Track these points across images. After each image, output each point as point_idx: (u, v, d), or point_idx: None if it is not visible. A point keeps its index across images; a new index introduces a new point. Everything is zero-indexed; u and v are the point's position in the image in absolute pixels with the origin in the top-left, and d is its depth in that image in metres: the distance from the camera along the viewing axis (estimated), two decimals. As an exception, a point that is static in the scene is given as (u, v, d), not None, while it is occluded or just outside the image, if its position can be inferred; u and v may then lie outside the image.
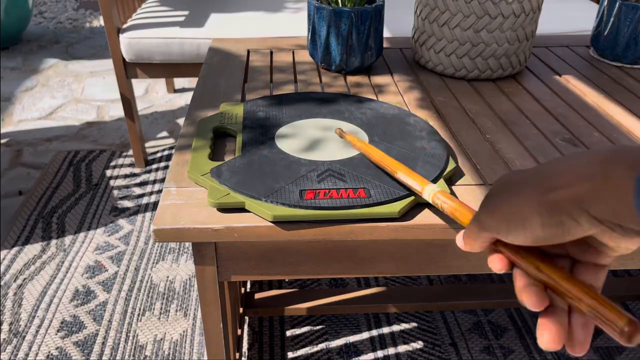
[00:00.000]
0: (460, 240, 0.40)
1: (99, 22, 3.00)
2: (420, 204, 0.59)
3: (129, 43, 1.41)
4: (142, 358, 1.03)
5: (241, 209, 0.57)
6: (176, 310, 1.13)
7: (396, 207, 0.56)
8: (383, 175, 0.62)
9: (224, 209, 0.57)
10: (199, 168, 0.62)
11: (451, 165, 0.65)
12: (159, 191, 1.52)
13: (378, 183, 0.60)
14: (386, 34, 0.96)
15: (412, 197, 0.58)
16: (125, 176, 1.59)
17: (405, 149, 0.67)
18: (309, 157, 0.65)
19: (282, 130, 0.71)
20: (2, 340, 1.06)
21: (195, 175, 0.61)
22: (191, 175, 0.61)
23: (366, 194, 0.58)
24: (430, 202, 0.52)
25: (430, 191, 0.52)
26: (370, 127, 0.73)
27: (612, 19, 1.00)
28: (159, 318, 1.11)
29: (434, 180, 0.62)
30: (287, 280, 1.21)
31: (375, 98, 0.86)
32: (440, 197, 0.50)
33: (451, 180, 0.65)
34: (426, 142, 0.69)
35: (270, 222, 0.56)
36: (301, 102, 0.80)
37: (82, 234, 1.34)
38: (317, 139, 0.69)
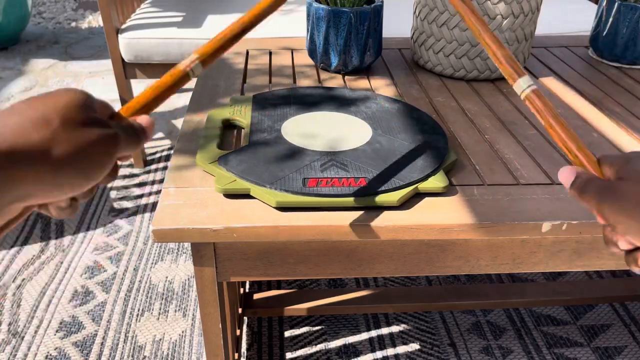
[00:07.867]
0: (567, 176, 0.38)
1: (98, 22, 3.00)
2: (419, 194, 0.60)
3: (128, 43, 1.41)
4: (141, 358, 1.02)
5: (246, 196, 0.59)
6: (175, 311, 1.13)
7: (395, 196, 0.58)
8: (385, 165, 0.63)
9: (230, 195, 0.59)
10: (207, 156, 0.64)
11: (452, 158, 0.66)
12: (158, 192, 1.52)
13: (379, 173, 0.61)
14: (385, 34, 0.96)
15: (412, 187, 0.59)
16: (124, 177, 1.59)
17: (407, 141, 0.69)
18: (313, 148, 0.66)
19: (288, 121, 0.73)
20: (0, 340, 1.06)
21: (203, 163, 0.63)
22: (200, 163, 0.63)
23: (367, 183, 0.59)
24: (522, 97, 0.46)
25: (522, 87, 0.45)
26: (374, 121, 0.74)
27: (610, 20, 1.00)
28: (158, 318, 1.11)
29: (434, 172, 0.62)
30: (286, 280, 1.21)
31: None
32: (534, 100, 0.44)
33: (451, 173, 0.65)
34: (428, 135, 0.70)
35: (274, 207, 0.57)
36: (308, 96, 0.82)
37: (81, 234, 1.34)
38: (322, 131, 0.71)
